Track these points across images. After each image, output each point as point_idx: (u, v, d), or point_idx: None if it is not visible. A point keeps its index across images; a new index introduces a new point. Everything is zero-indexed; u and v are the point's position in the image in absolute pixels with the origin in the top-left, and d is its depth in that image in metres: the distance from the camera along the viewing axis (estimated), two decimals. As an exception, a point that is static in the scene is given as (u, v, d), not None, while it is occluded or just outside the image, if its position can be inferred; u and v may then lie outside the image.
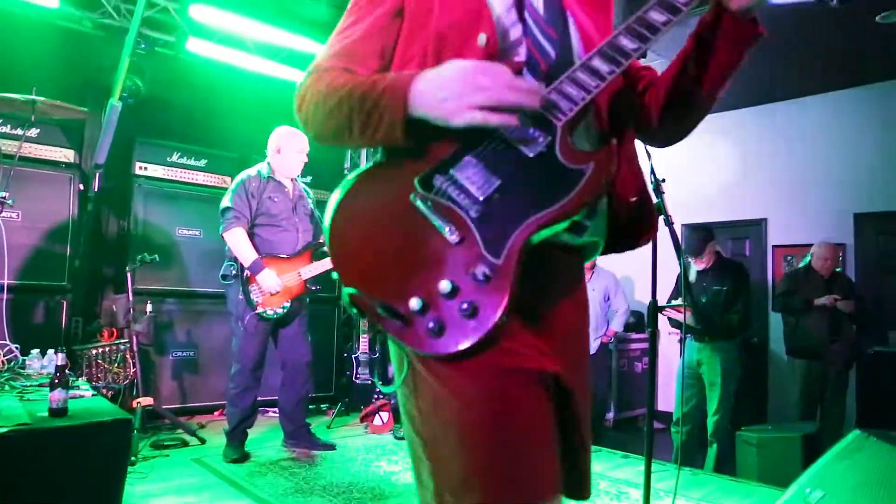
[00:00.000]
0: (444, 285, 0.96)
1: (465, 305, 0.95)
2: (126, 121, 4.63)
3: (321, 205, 4.96)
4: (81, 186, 4.59)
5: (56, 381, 2.43)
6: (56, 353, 2.58)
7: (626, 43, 0.99)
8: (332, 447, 4.11)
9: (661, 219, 2.33)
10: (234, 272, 3.86)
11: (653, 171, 2.24)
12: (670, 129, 1.22)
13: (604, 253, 1.22)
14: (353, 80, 1.06)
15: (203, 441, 4.11)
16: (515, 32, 1.09)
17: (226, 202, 3.84)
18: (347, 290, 1.02)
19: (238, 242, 3.78)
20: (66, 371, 2.52)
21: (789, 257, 6.16)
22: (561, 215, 0.96)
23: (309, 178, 5.36)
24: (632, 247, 1.22)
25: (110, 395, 4.02)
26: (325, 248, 1.07)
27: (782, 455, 3.58)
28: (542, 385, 1.03)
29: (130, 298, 4.11)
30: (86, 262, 4.66)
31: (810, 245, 5.24)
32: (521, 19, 1.10)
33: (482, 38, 1.05)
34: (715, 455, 4.31)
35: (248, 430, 3.93)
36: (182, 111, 5.35)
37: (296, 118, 1.17)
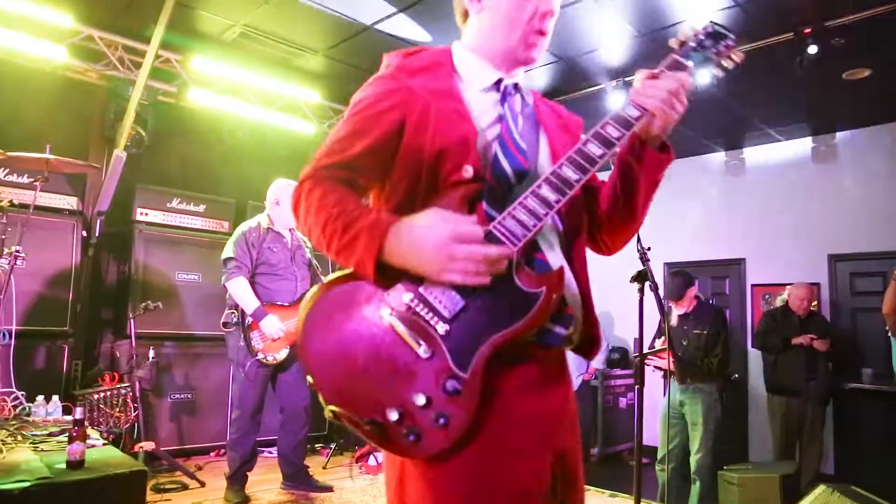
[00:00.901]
0: (419, 398, 1.06)
1: (439, 416, 1.05)
2: (128, 167, 4.79)
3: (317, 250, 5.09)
4: (84, 233, 4.73)
5: (74, 434, 2.56)
6: (75, 406, 2.69)
7: (570, 173, 1.15)
8: (329, 489, 4.21)
9: (647, 284, 2.54)
10: (234, 319, 4.00)
11: (639, 240, 2.43)
12: (609, 241, 1.43)
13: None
14: (341, 206, 1.14)
15: (203, 484, 4.20)
16: (491, 154, 1.23)
17: (228, 252, 4.00)
18: (330, 408, 1.09)
19: (241, 291, 3.92)
20: (84, 424, 2.64)
21: (767, 295, 6.40)
22: (518, 335, 1.10)
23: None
24: (586, 357, 1.36)
25: (111, 439, 4.11)
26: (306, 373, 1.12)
27: (762, 494, 3.75)
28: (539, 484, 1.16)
29: (133, 344, 4.22)
30: (87, 306, 4.77)
31: (787, 284, 5.48)
32: (501, 141, 1.24)
33: (468, 171, 1.18)
34: (698, 493, 4.46)
35: (248, 473, 4.03)
36: (182, 158, 5.53)
37: (292, 213, 1.24)
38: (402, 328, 1.10)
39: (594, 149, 1.18)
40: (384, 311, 1.11)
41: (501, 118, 1.28)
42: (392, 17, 4.50)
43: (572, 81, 5.47)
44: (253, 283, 4.01)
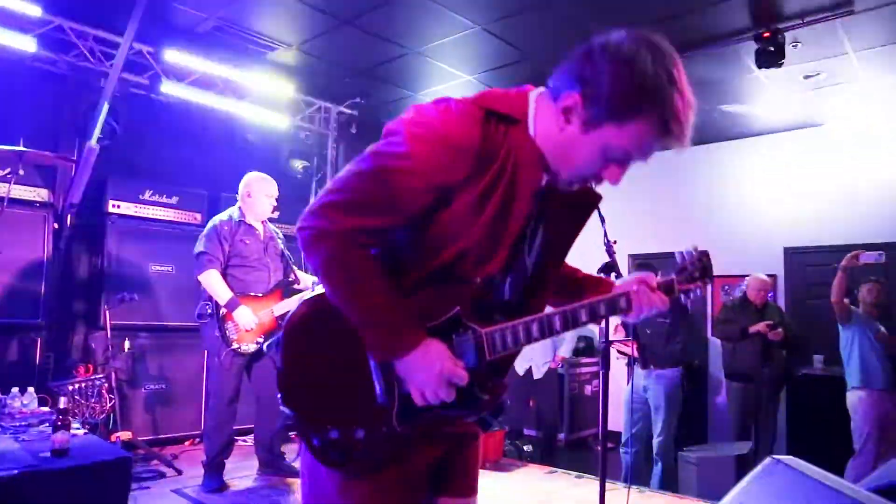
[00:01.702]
0: (360, 432, 1.26)
1: (372, 448, 1.27)
2: (99, 159, 4.77)
3: (289, 239, 5.18)
4: (56, 225, 4.71)
5: (59, 423, 2.62)
6: (58, 396, 2.74)
7: (557, 324, 1.31)
8: (305, 475, 4.30)
9: (613, 275, 2.68)
10: (209, 311, 4.05)
11: (605, 234, 2.56)
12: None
13: None
14: (371, 294, 1.21)
15: (180, 472, 4.26)
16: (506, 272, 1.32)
17: (199, 247, 4.05)
18: (289, 412, 1.29)
19: (213, 283, 3.98)
20: (68, 413, 2.69)
21: (726, 286, 6.67)
22: (454, 421, 1.34)
23: (276, 214, 5.57)
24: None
25: (87, 430, 4.13)
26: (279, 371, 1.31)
27: (718, 473, 3.97)
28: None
29: (109, 335, 4.25)
30: (59, 298, 4.76)
31: (745, 276, 5.72)
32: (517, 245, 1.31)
33: (478, 281, 1.27)
34: (660, 473, 4.69)
35: (225, 461, 4.10)
36: (154, 150, 5.51)
37: (303, 254, 1.25)
38: (376, 374, 1.26)
39: (583, 316, 1.34)
40: (369, 356, 1.27)
41: (532, 219, 1.31)
42: (370, 12, 4.58)
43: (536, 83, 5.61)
44: (226, 276, 4.07)
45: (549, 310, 1.34)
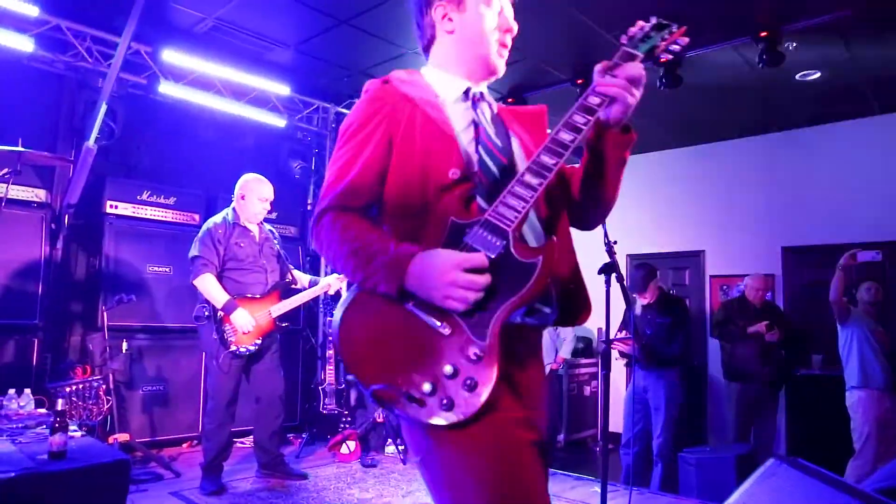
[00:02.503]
0: (447, 368, 1.22)
1: (467, 381, 1.22)
2: (97, 160, 4.75)
3: (286, 240, 5.14)
4: (53, 226, 4.69)
5: (56, 425, 2.60)
6: (56, 397, 2.73)
7: (547, 160, 1.31)
8: (304, 477, 4.30)
9: (613, 276, 2.69)
10: (206, 313, 4.03)
11: (606, 235, 2.58)
12: (590, 218, 1.60)
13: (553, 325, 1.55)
14: (362, 239, 1.32)
15: (178, 474, 4.24)
16: (474, 159, 1.40)
17: (194, 251, 4.03)
18: (372, 388, 1.25)
19: (209, 288, 3.96)
20: (66, 415, 2.67)
21: (724, 286, 6.67)
22: (523, 302, 1.26)
23: (274, 214, 5.57)
24: (573, 324, 1.52)
25: (84, 432, 4.11)
26: (331, 343, 1.31)
27: (718, 474, 3.96)
28: (533, 438, 1.33)
29: (106, 336, 4.23)
30: (56, 299, 4.74)
31: (744, 275, 5.72)
32: (477, 147, 1.42)
33: (455, 173, 1.35)
34: (661, 475, 4.68)
35: (224, 463, 4.08)
36: (152, 150, 5.50)
37: (312, 245, 1.42)
38: (423, 315, 1.26)
39: (565, 135, 1.33)
40: (407, 304, 1.28)
41: (475, 123, 1.46)
42: (368, 11, 4.56)
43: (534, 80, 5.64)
44: (222, 278, 4.05)
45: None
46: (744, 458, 4.09)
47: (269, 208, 4.30)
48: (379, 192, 1.41)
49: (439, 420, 1.22)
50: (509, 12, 1.54)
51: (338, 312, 1.33)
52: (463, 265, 1.23)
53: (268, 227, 4.44)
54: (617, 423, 5.06)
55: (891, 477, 2.00)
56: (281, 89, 5.87)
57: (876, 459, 4.35)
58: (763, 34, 4.48)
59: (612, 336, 3.20)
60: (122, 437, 4.08)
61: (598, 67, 1.40)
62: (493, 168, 1.40)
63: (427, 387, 1.22)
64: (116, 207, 5.03)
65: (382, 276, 1.28)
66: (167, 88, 5.29)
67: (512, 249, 1.27)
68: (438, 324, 1.26)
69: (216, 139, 5.83)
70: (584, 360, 7.05)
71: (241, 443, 5.14)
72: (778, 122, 6.40)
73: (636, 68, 1.37)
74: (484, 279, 1.23)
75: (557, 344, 5.67)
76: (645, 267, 4.83)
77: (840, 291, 4.55)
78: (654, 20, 1.47)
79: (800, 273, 6.36)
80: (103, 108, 4.63)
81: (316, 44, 5.18)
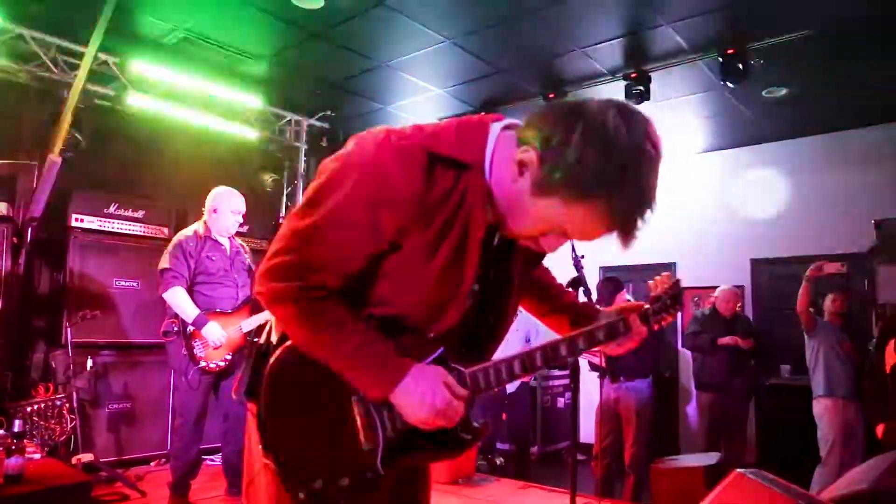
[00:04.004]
0: (343, 480, 1.24)
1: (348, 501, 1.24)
2: (62, 172, 4.65)
3: (258, 254, 5.10)
4: (15, 239, 4.58)
5: (13, 447, 2.52)
6: (13, 418, 2.65)
7: (538, 362, 1.30)
8: (274, 495, 4.22)
9: (581, 290, 2.69)
10: (175, 329, 3.96)
11: (573, 249, 2.57)
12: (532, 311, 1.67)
13: None
14: (349, 337, 1.18)
15: (144, 494, 4.13)
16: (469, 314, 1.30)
17: (164, 263, 3.95)
18: (264, 460, 1.24)
19: (179, 301, 3.89)
20: (24, 437, 2.60)
21: (696, 297, 6.75)
22: (437, 461, 1.36)
23: (246, 228, 5.50)
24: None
25: (46, 452, 4.01)
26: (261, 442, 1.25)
27: (688, 484, 3.98)
28: None
29: (70, 353, 4.13)
30: (17, 315, 4.62)
31: (714, 287, 5.80)
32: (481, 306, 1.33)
33: (453, 315, 1.25)
34: (633, 486, 4.69)
35: (191, 482, 4.00)
36: (120, 163, 5.41)
37: (268, 310, 1.23)
38: (360, 418, 1.24)
39: (563, 350, 1.32)
40: (353, 396, 1.25)
41: (487, 280, 1.31)
42: (340, 25, 4.56)
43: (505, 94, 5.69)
44: (192, 292, 3.99)
45: (528, 347, 1.32)
46: (715, 467, 4.11)
47: (241, 221, 4.25)
48: (345, 282, 1.26)
49: None
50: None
51: (279, 356, 1.25)
52: (451, 391, 1.22)
53: (239, 240, 4.38)
54: (590, 434, 5.07)
55: (847, 484, 2.04)
56: (253, 102, 5.83)
57: (841, 466, 4.41)
58: (730, 51, 4.58)
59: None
60: (87, 456, 3.97)
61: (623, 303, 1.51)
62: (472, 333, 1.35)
63: (317, 484, 1.22)
64: (82, 221, 4.93)
65: (370, 381, 1.21)
66: (136, 100, 5.22)
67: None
68: (365, 436, 1.24)
69: (186, 151, 5.76)
70: (557, 373, 7.06)
71: (210, 460, 5.03)
72: (745, 137, 6.52)
73: (642, 335, 1.43)
74: (460, 413, 1.23)
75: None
76: (612, 280, 4.88)
77: (807, 302, 4.64)
78: (678, 289, 1.47)
79: (768, 284, 6.47)
80: (69, 119, 4.55)
81: (289, 56, 5.16)
